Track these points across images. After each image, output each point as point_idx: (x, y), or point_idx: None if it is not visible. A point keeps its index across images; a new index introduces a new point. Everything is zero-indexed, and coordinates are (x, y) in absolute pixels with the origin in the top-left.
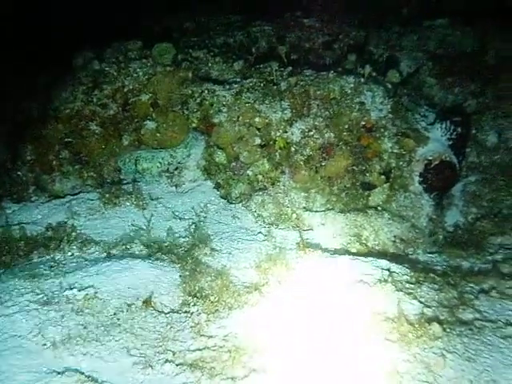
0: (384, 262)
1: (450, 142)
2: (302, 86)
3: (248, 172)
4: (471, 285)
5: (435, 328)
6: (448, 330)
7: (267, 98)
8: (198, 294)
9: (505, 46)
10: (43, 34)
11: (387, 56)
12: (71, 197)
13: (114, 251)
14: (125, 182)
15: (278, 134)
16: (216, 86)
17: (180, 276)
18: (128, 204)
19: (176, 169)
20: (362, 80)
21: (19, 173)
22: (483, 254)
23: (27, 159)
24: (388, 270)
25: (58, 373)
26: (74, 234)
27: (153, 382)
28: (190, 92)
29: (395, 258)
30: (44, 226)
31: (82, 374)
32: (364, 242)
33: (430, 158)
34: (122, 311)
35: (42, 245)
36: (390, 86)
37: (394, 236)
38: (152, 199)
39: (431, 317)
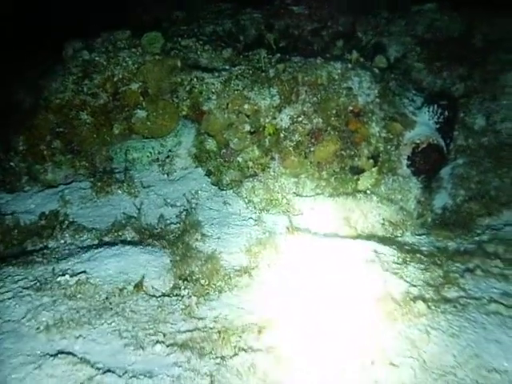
0: (372, 244)
1: (438, 126)
2: (290, 73)
3: (238, 159)
4: (457, 264)
5: (420, 306)
6: (433, 307)
7: (256, 84)
8: (188, 278)
9: (492, 30)
10: (32, 25)
11: (375, 42)
12: (64, 186)
13: (106, 238)
14: (117, 170)
15: (267, 120)
16: (205, 73)
17: (171, 261)
18: (120, 192)
19: (167, 157)
20: (350, 65)
21: (12, 163)
22: (470, 234)
23: (19, 149)
24: (375, 251)
25: (51, 355)
26: (66, 222)
27: (144, 363)
28: (179, 80)
29: (383, 240)
30: (37, 214)
31: (75, 356)
32: (353, 225)
33: (418, 141)
34: (114, 295)
35: (35, 233)
36: (377, 71)
37: (383, 219)
38: (144, 187)
39: (416, 295)
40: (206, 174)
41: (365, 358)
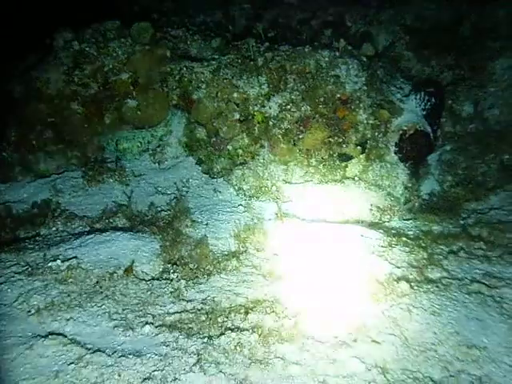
0: (359, 228)
1: (425, 113)
2: (278, 61)
3: (228, 147)
4: (441, 247)
5: (403, 286)
6: (416, 287)
7: (245, 73)
8: (177, 262)
9: (480, 19)
10: (23, 17)
11: (364, 30)
12: (56, 176)
13: (97, 225)
14: (108, 160)
15: (256, 108)
16: (194, 63)
17: (161, 246)
18: (111, 181)
19: (158, 146)
20: (337, 54)
21: (4, 154)
22: (456, 218)
23: (11, 140)
24: (362, 235)
25: (42, 336)
26: (58, 210)
27: (133, 343)
28: (168, 70)
29: (371, 225)
30: (30, 204)
31: (65, 337)
32: (341, 211)
33: (405, 128)
34: (104, 279)
35: (27, 221)
36: (364, 59)
37: (371, 204)
38: (135, 176)
39: (400, 276)
40: (196, 163)
41: (348, 337)
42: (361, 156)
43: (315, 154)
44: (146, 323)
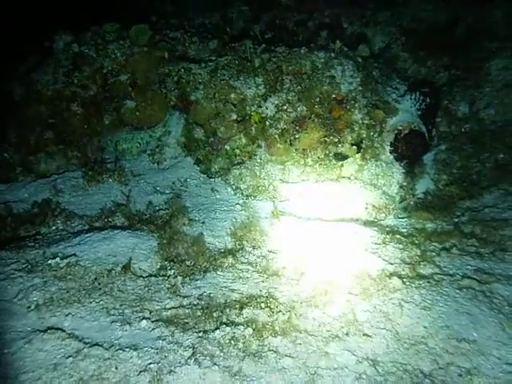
0: (354, 226)
1: (420, 112)
2: (274, 63)
3: (226, 147)
4: (435, 244)
5: (395, 282)
6: (407, 283)
7: (242, 74)
8: (175, 260)
9: (476, 20)
10: (23, 20)
11: (360, 32)
12: (56, 176)
13: (96, 224)
14: (108, 160)
15: (253, 109)
16: (192, 64)
17: (158, 244)
18: (111, 181)
19: (157, 146)
20: (333, 55)
21: (5, 155)
22: (450, 216)
23: (13, 141)
24: (356, 233)
25: (41, 331)
26: (58, 209)
27: (130, 337)
28: (167, 71)
29: (366, 223)
30: (30, 203)
31: (64, 331)
32: (337, 209)
33: (400, 127)
34: (103, 276)
35: (28, 221)
36: (360, 60)
37: (366, 203)
38: (134, 176)
39: (393, 272)
40: (195, 163)
41: (340, 331)
42: (356, 155)
43: (311, 153)
44: (143, 318)
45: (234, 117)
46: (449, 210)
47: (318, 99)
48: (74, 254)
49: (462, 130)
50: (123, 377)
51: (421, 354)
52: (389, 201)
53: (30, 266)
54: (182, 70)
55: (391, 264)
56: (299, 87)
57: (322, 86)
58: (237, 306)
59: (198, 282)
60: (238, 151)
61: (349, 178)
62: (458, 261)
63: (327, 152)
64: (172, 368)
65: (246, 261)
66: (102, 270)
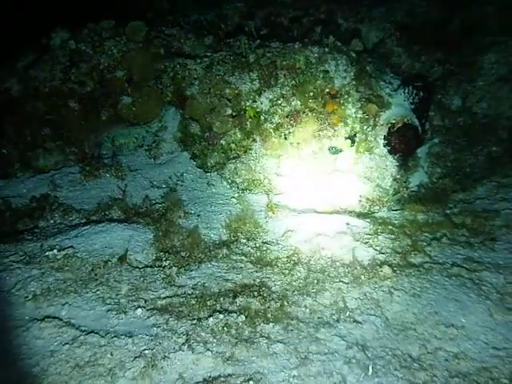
0: (347, 218)
1: (413, 106)
2: (269, 58)
3: (221, 141)
4: (426, 234)
5: (385, 270)
6: (398, 271)
7: (237, 70)
8: (170, 251)
9: (469, 15)
10: (21, 17)
11: (354, 27)
12: (54, 171)
13: (93, 217)
14: (105, 155)
15: (248, 103)
16: (188, 60)
17: (154, 236)
18: (108, 176)
19: (154, 142)
20: (327, 50)
21: (4, 151)
22: (442, 208)
23: (11, 137)
24: (349, 223)
25: (38, 320)
26: (56, 204)
27: (125, 325)
28: (162, 67)
29: (360, 215)
30: (28, 198)
31: (61, 320)
32: (331, 202)
33: (393, 121)
34: (99, 267)
35: (26, 215)
36: (353, 55)
37: (360, 196)
38: (131, 170)
39: (383, 261)
40: (191, 158)
41: (330, 318)
42: (350, 149)
43: (306, 147)
44: (139, 307)
45: (229, 112)
46: (442, 202)
47: (311, 94)
48: (71, 246)
49: (456, 123)
50: (118, 362)
51: (410, 340)
52: (382, 193)
53: (27, 258)
54: (178, 65)
55: (382, 253)
56: (293, 82)
57: (315, 80)
58: (230, 295)
59: (193, 272)
60: (233, 146)
61: (343, 171)
62: (449, 250)
63: (321, 146)
64: (166, 354)
65: (240, 252)
66: (99, 261)
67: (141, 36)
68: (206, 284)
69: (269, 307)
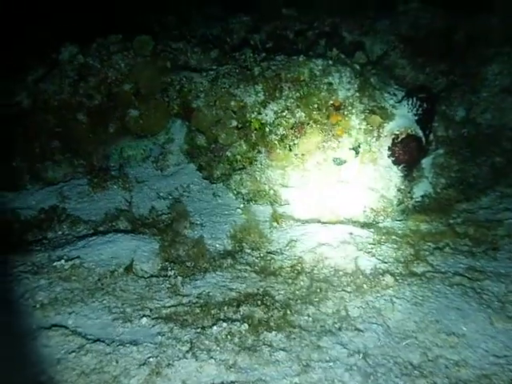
0: (350, 228)
1: (417, 117)
2: (273, 71)
3: (227, 153)
4: (429, 243)
5: (388, 279)
6: (400, 280)
7: (242, 82)
8: (175, 261)
9: (473, 27)
10: (31, 33)
11: (359, 40)
12: (63, 183)
13: (100, 228)
14: (113, 167)
15: (253, 115)
16: (194, 73)
17: (160, 246)
18: (115, 187)
19: (161, 154)
20: (330, 62)
21: (14, 163)
22: (446, 218)
23: (21, 150)
24: (352, 233)
25: (46, 328)
26: (64, 215)
27: (131, 334)
28: (169, 80)
29: (364, 225)
30: (37, 210)
31: (67, 328)
32: (336, 212)
33: (397, 132)
34: (106, 277)
35: (35, 226)
36: (357, 67)
37: (364, 206)
38: (138, 182)
39: (386, 270)
40: (197, 169)
41: (333, 326)
42: (354, 160)
43: (310, 158)
44: (144, 316)
45: (235, 124)
46: (445, 213)
47: (316, 105)
48: (79, 257)
49: (460, 134)
50: (123, 370)
51: (411, 348)
52: (387, 204)
53: (35, 268)
54: (184, 78)
55: (385, 263)
56: (297, 94)
57: (319, 92)
58: (234, 304)
59: (198, 281)
60: (238, 157)
61: (347, 182)
62: (451, 259)
63: (326, 157)
64: (170, 361)
65: (244, 261)
66: (105, 271)
67: (148, 50)
68: (211, 293)
69: (272, 316)
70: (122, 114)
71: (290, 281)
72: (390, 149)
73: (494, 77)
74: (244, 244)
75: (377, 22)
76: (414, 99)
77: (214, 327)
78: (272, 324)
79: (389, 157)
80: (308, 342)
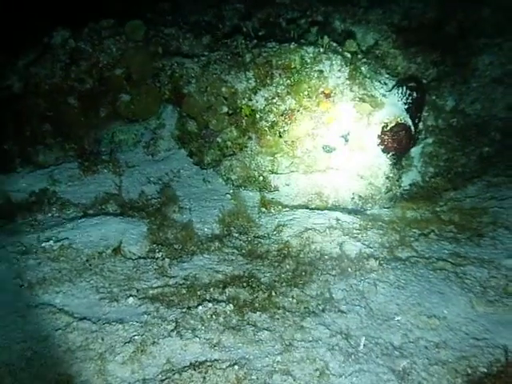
0: (337, 214)
1: (406, 106)
2: (264, 57)
3: (218, 139)
4: (414, 230)
5: (372, 263)
6: (384, 264)
7: (233, 69)
8: (163, 243)
9: (466, 17)
10: (23, 16)
11: (350, 29)
12: (54, 167)
13: (90, 211)
14: (104, 152)
15: (244, 102)
16: (185, 59)
17: (148, 229)
18: (106, 171)
19: (152, 139)
20: (321, 50)
21: (5, 146)
22: (432, 206)
23: (12, 133)
24: (339, 219)
25: (33, 306)
26: (54, 198)
27: (117, 313)
28: (160, 65)
29: (351, 211)
30: (28, 193)
31: (55, 307)
32: (324, 199)
33: (387, 120)
34: (94, 258)
35: (25, 208)
36: (348, 55)
37: (353, 193)
38: (129, 167)
39: (370, 255)
40: (188, 155)
41: (316, 308)
42: (344, 147)
43: (300, 145)
44: (130, 296)
45: (226, 110)
46: (432, 201)
47: (306, 93)
48: (67, 238)
49: (449, 124)
50: (109, 347)
51: (392, 329)
52: (375, 191)
53: (24, 249)
54: (176, 64)
55: (370, 247)
56: (288, 81)
57: (310, 79)
58: (220, 286)
59: (185, 264)
60: (229, 143)
61: (336, 169)
62: (435, 245)
63: (315, 144)
64: (155, 340)
65: (231, 245)
66: (94, 253)
67: (140, 35)
68: (197, 275)
69: (257, 297)
70: (113, 99)
71: (276, 264)
72: (379, 137)
73: (484, 67)
74: (232, 228)
75: (369, 11)
76: (404, 88)
77: (200, 307)
78: (257, 305)
79: (378, 145)
80: (291, 323)
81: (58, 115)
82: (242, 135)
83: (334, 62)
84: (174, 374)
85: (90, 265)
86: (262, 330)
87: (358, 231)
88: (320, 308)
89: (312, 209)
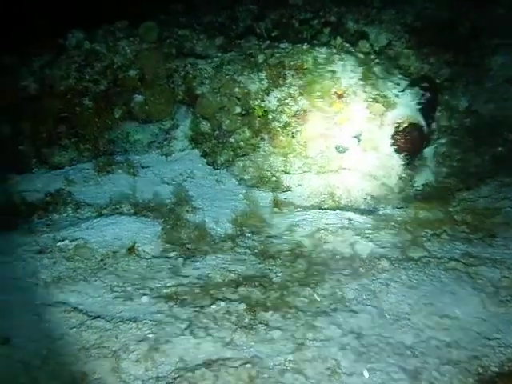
0: (350, 214)
1: (419, 107)
2: (277, 58)
3: (231, 139)
4: (426, 230)
5: (384, 263)
6: (396, 264)
7: (246, 69)
8: (177, 243)
9: (478, 18)
10: (38, 19)
11: (364, 29)
12: (69, 167)
13: (104, 211)
14: (118, 152)
15: (257, 102)
16: (199, 60)
17: (162, 229)
18: (120, 172)
19: (165, 139)
20: (334, 51)
21: (21, 147)
22: (446, 206)
23: (28, 134)
24: (351, 219)
25: (49, 305)
26: (69, 198)
27: (131, 311)
28: (174, 67)
29: (364, 212)
30: (43, 193)
31: (70, 305)
32: (337, 199)
33: (400, 121)
34: (108, 257)
35: (41, 208)
36: (361, 56)
37: (366, 194)
38: (143, 167)
39: (382, 255)
40: (201, 155)
41: (328, 307)
42: (356, 148)
43: (313, 145)
44: (144, 295)
45: (239, 110)
46: (445, 201)
47: (319, 93)
48: (82, 238)
49: (462, 124)
50: (123, 345)
51: (404, 329)
52: (387, 191)
53: (40, 248)
54: (189, 65)
55: (382, 248)
56: (301, 82)
57: (323, 80)
58: (233, 285)
59: (198, 263)
60: (242, 144)
61: (349, 170)
62: (448, 245)
63: (328, 144)
64: (168, 338)
65: (244, 245)
66: (108, 252)
67: (154, 36)
68: (210, 274)
69: (269, 296)
70: (127, 100)
71: (288, 264)
72: (392, 137)
73: (497, 67)
74: (245, 228)
75: (382, 12)
76: (417, 88)
77: (213, 306)
78: (269, 304)
79: (391, 145)
80: (303, 322)
81: (72, 116)
82: (255, 136)
83: (346, 63)
84: (186, 372)
85: (105, 264)
86: (273, 329)
87: (371, 231)
88: (332, 308)
89: (324, 209)
